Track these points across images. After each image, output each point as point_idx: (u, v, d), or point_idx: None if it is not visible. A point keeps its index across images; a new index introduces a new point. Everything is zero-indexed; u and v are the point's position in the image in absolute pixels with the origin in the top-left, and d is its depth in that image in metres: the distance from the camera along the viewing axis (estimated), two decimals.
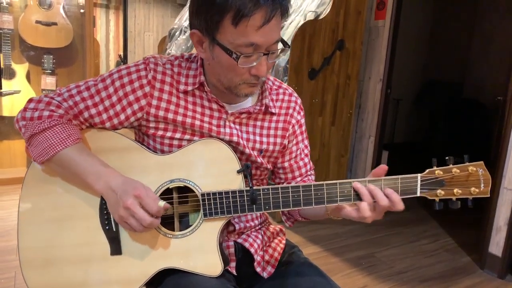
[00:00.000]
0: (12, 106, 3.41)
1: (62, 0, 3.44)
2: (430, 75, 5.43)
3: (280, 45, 0.89)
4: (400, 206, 0.84)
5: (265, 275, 1.02)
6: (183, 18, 4.31)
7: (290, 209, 0.90)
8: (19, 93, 3.39)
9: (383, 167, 0.87)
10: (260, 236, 1.05)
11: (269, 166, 1.05)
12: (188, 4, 4.32)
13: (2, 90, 3.32)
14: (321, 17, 2.87)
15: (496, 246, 2.41)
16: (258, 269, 1.02)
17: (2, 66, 3.30)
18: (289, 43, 1.79)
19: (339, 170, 3.24)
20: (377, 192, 0.84)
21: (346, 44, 3.00)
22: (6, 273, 2.06)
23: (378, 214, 0.86)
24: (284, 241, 1.12)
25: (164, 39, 5.12)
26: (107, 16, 5.78)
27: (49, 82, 3.47)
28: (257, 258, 1.02)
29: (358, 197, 0.86)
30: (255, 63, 0.85)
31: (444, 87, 5.14)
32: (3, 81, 3.32)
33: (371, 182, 0.86)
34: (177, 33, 4.18)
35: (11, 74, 3.36)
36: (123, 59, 5.16)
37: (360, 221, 0.86)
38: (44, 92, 3.47)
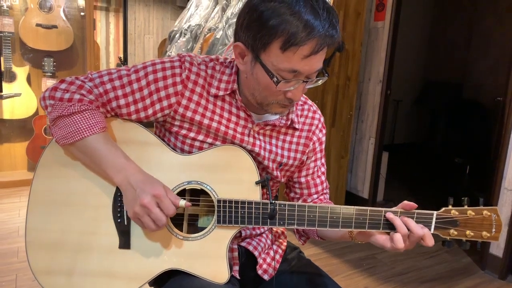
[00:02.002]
0: (13, 109, 3.42)
1: (63, 3, 3.45)
2: (429, 76, 5.44)
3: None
4: (431, 241, 0.84)
5: (266, 277, 1.02)
6: (183, 20, 4.31)
7: (304, 228, 0.90)
8: (19, 96, 3.40)
9: (413, 205, 0.86)
10: (263, 240, 1.06)
11: (283, 180, 1.06)
12: (188, 6, 4.34)
13: (2, 93, 3.32)
14: None
15: (497, 247, 2.41)
16: (260, 272, 1.02)
17: (2, 69, 3.30)
18: None
19: (339, 171, 3.24)
20: (410, 222, 0.84)
21: (346, 45, 3.00)
22: (7, 276, 2.06)
23: (411, 244, 0.86)
24: (285, 243, 1.12)
25: (164, 42, 5.13)
26: (107, 19, 5.79)
27: (49, 85, 3.46)
28: (260, 261, 1.02)
29: (373, 226, 0.86)
30: (292, 88, 0.85)
31: (444, 88, 5.14)
32: (4, 84, 3.32)
33: (387, 212, 0.86)
34: (177, 35, 4.18)
35: (12, 77, 3.36)
36: (123, 62, 5.17)
37: (392, 250, 0.86)
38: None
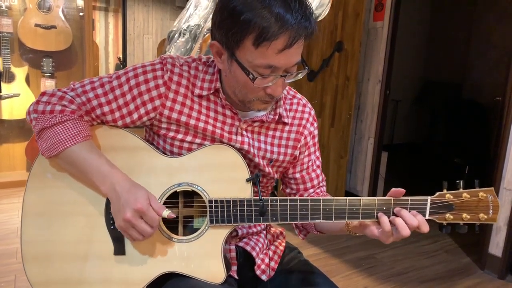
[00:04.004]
0: (12, 110, 3.41)
1: (61, 4, 3.45)
2: (429, 76, 5.44)
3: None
4: (426, 227, 0.83)
5: (264, 278, 1.02)
6: (182, 20, 4.31)
7: (297, 222, 0.89)
8: (18, 96, 3.39)
9: (401, 191, 0.85)
10: (261, 240, 1.05)
11: (276, 175, 1.05)
12: (187, 7, 4.34)
13: (1, 94, 3.32)
14: (319, 18, 2.87)
15: (496, 246, 2.41)
16: (258, 272, 1.01)
17: (1, 69, 3.30)
18: None
19: (338, 172, 3.24)
20: (404, 212, 0.83)
21: (345, 45, 3.00)
22: (6, 277, 2.06)
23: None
24: (284, 244, 1.12)
25: (163, 42, 5.12)
26: (106, 19, 5.79)
27: (48, 85, 3.48)
28: (258, 261, 1.02)
29: (367, 215, 0.86)
30: (271, 84, 0.84)
31: (443, 88, 5.14)
32: (3, 85, 3.32)
33: (380, 201, 0.86)
34: (176, 35, 4.17)
35: (11, 78, 3.36)
36: (123, 62, 5.17)
37: (382, 240, 0.85)
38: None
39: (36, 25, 3.36)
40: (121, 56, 5.42)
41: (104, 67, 5.84)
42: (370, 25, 3.29)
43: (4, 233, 2.53)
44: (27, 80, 3.47)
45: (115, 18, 5.84)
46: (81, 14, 3.60)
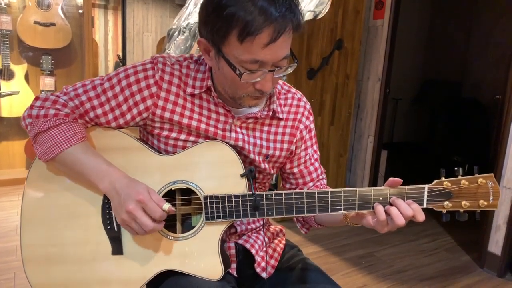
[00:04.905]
0: (11, 107, 3.41)
1: (61, 1, 3.44)
2: (428, 75, 5.44)
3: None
4: (421, 216, 0.82)
5: (264, 275, 1.02)
6: (182, 18, 4.30)
7: (294, 215, 0.89)
8: (17, 94, 3.39)
9: (398, 181, 0.85)
10: (260, 237, 1.05)
11: (273, 171, 1.05)
12: (186, 4, 4.33)
13: (0, 91, 3.32)
14: (319, 16, 2.87)
15: (496, 244, 2.41)
16: (258, 270, 1.01)
17: (0, 67, 3.29)
18: None
19: (338, 170, 3.24)
20: (399, 202, 0.82)
21: (345, 43, 3.00)
22: (5, 274, 2.06)
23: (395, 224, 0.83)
24: (284, 241, 1.12)
25: (162, 39, 5.12)
26: (106, 17, 5.77)
27: (47, 82, 3.47)
28: (258, 259, 1.02)
29: (363, 206, 0.85)
30: (259, 79, 0.83)
31: (443, 87, 5.14)
32: (2, 82, 3.31)
33: (376, 191, 0.85)
34: (176, 33, 4.17)
35: (10, 75, 3.35)
36: (122, 60, 5.15)
37: (378, 229, 0.84)
38: (43, 93, 3.46)
39: (35, 22, 3.35)
40: (120, 54, 5.41)
41: (104, 65, 5.83)
42: (370, 23, 3.28)
43: (3, 231, 2.53)
44: (27, 77, 3.46)
45: (115, 15, 5.82)
46: (80, 11, 3.59)
